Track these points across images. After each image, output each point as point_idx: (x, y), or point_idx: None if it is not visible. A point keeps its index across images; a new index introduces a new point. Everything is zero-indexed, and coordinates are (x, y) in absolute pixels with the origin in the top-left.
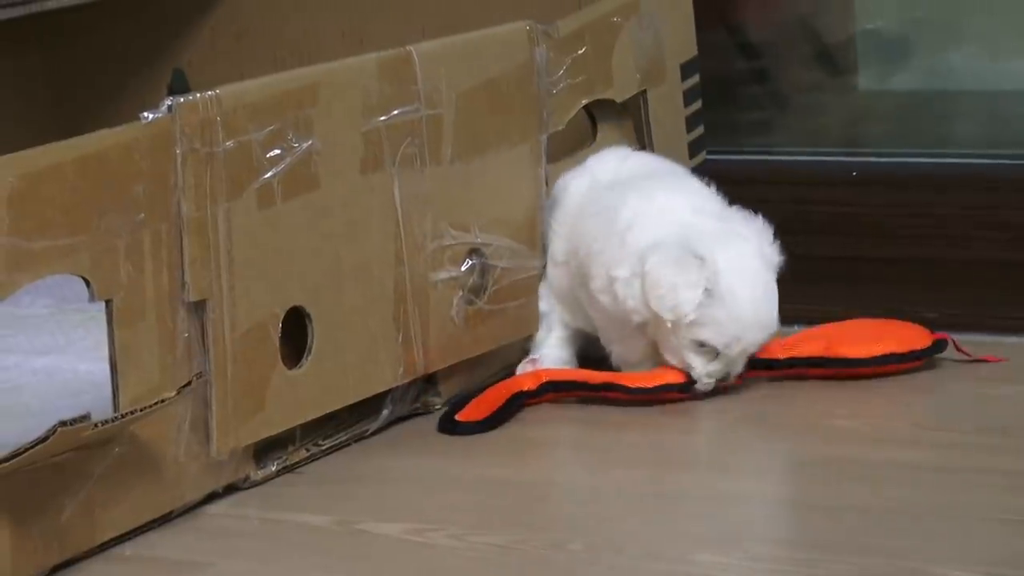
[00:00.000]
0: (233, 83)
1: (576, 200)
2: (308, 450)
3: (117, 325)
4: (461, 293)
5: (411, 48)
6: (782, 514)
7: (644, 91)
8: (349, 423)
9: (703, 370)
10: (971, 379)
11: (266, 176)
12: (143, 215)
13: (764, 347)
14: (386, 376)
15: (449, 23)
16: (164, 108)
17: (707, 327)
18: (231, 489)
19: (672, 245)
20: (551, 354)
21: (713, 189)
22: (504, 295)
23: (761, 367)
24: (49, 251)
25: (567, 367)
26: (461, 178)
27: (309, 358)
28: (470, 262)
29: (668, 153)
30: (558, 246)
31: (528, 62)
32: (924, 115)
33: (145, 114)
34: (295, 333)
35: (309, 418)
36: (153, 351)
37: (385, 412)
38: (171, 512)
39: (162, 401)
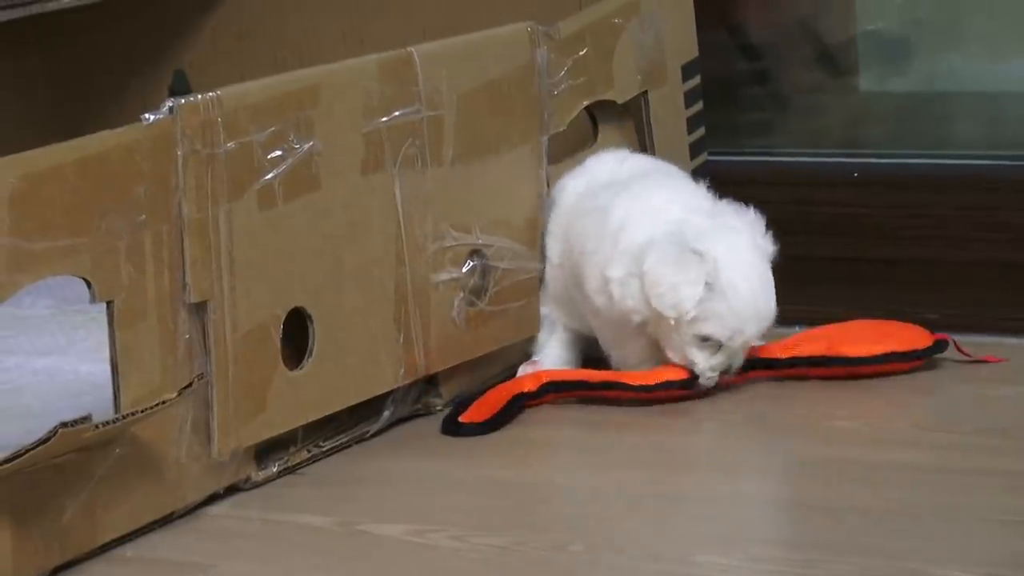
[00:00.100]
0: (234, 84)
1: (572, 202)
2: (309, 451)
3: (118, 326)
4: (462, 294)
5: (412, 49)
6: (782, 515)
7: (645, 92)
8: (350, 424)
9: (706, 364)
10: (971, 380)
11: (267, 177)
12: (144, 216)
13: (765, 347)
14: (387, 377)
15: (450, 24)
16: (165, 109)
17: (709, 321)
18: (232, 490)
19: (668, 243)
20: (552, 355)
21: (703, 185)
22: (505, 296)
23: (762, 367)
24: (50, 252)
25: (568, 368)
26: (462, 179)
27: (310, 359)
28: (471, 263)
29: (669, 154)
30: (554, 248)
31: (529, 63)
32: (925, 116)
33: (146, 115)
34: (296, 334)
35: (310, 419)
36: (154, 352)
37: (386, 413)
38: (172, 513)
39: (163, 402)
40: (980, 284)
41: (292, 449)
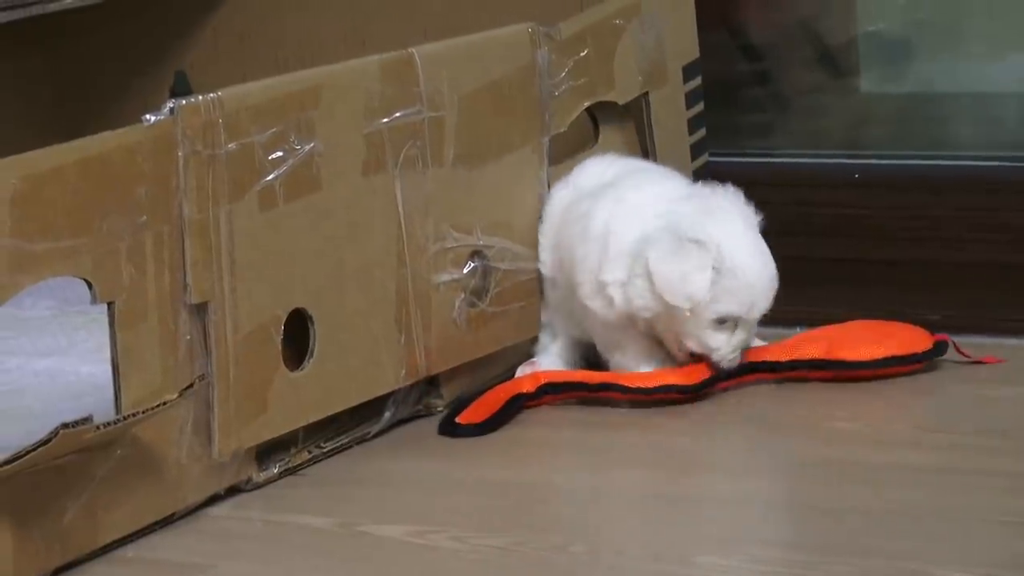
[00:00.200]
0: (235, 85)
1: (559, 211)
2: (310, 452)
3: (119, 327)
4: (463, 295)
5: (413, 50)
6: (783, 516)
7: (646, 93)
8: (351, 425)
9: (728, 346)
10: (971, 381)
11: (268, 178)
12: (145, 217)
13: (766, 349)
14: (388, 378)
15: (451, 25)
16: (166, 110)
17: (723, 301)
18: (233, 491)
19: (664, 237)
20: (552, 358)
21: (678, 174)
22: (506, 297)
23: (763, 369)
24: (51, 253)
25: (567, 369)
26: (463, 180)
27: (311, 360)
28: (472, 264)
29: (670, 155)
30: (546, 258)
31: (530, 64)
32: (926, 118)
33: (147, 116)
34: (297, 335)
35: (311, 420)
36: (155, 353)
37: (387, 414)
38: (173, 514)
39: (164, 403)
40: (980, 285)
41: (293, 450)
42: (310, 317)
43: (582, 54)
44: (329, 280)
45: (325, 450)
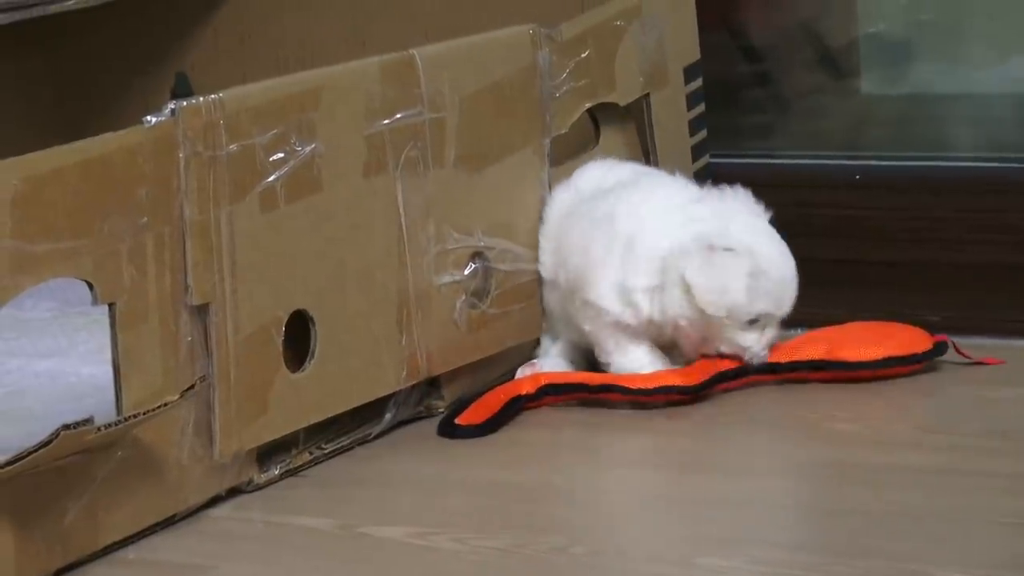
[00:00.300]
0: (236, 86)
1: (561, 214)
2: (311, 453)
3: (120, 328)
4: (464, 296)
5: (414, 51)
6: (784, 517)
7: (647, 95)
8: (352, 426)
9: (760, 343)
10: (972, 382)
11: (269, 179)
12: (146, 218)
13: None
14: (389, 380)
15: (452, 26)
16: (167, 111)
17: (758, 301)
18: (234, 492)
19: (697, 248)
20: (554, 359)
21: (684, 179)
22: (507, 298)
23: (764, 371)
24: (52, 254)
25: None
26: (464, 182)
27: (312, 361)
28: (473, 266)
29: (671, 156)
30: (546, 260)
31: (531, 66)
32: (927, 119)
33: (148, 117)
34: (298, 336)
35: (312, 421)
36: (156, 354)
37: (388, 416)
38: (174, 515)
39: (165, 404)
40: (982, 287)
41: (294, 451)
42: (311, 318)
43: (583, 55)
44: (330, 281)
45: (326, 451)
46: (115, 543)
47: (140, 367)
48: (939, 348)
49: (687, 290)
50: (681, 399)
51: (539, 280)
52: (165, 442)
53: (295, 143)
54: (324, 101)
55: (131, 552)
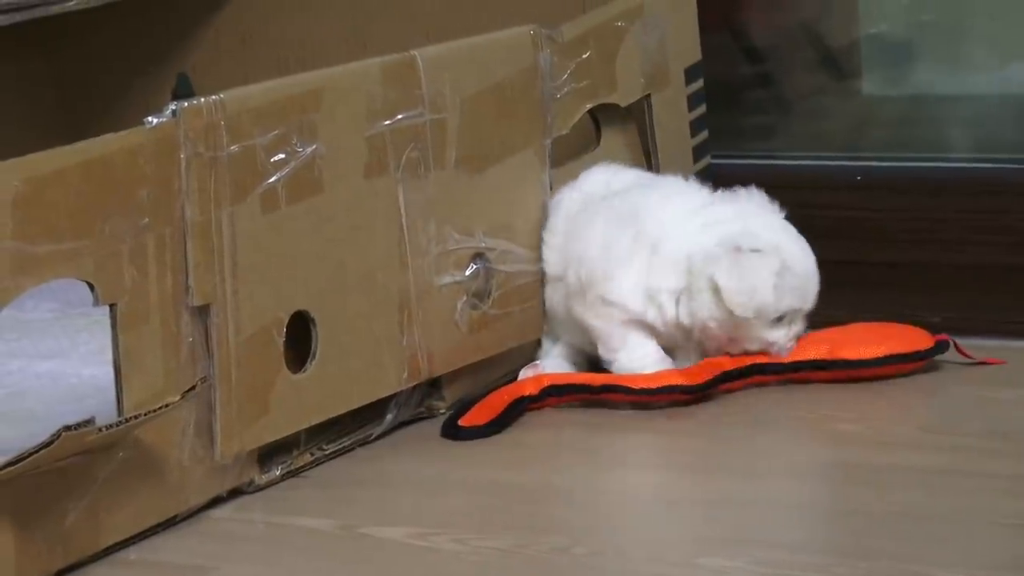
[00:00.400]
0: (237, 87)
1: (570, 213)
2: (312, 454)
3: (121, 329)
4: (465, 297)
5: (415, 53)
6: (786, 518)
7: (648, 95)
8: (353, 427)
9: (787, 337)
10: (974, 382)
11: (270, 180)
12: (147, 219)
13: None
14: (390, 380)
15: (453, 27)
16: (168, 112)
17: (786, 298)
18: (235, 493)
19: (724, 252)
20: (555, 360)
21: (695, 182)
22: (508, 299)
23: (768, 372)
24: (53, 255)
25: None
26: (465, 183)
27: (313, 362)
28: (474, 266)
29: (672, 157)
30: (551, 259)
31: (532, 66)
32: (928, 120)
33: (149, 118)
34: (299, 337)
35: (313, 422)
36: (157, 355)
37: (389, 416)
38: (175, 516)
39: (166, 405)
40: (983, 288)
41: (295, 452)
42: (312, 319)
43: (584, 56)
44: (331, 282)
45: (327, 452)
46: (116, 544)
47: (141, 368)
48: (940, 347)
49: (716, 292)
50: (684, 399)
51: (540, 281)
52: (166, 443)
53: (296, 144)
54: (325, 102)
55: (132, 553)
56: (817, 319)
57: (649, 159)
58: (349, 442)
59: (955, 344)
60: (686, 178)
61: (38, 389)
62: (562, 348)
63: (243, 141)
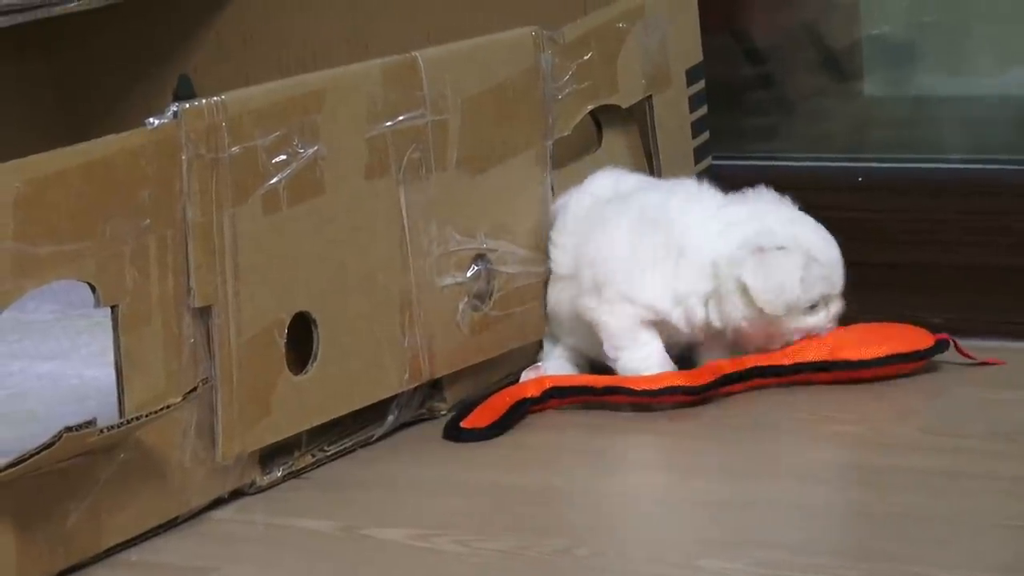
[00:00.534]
0: (239, 89)
1: (578, 215)
2: (314, 455)
3: (122, 331)
4: (467, 299)
5: (416, 54)
6: (788, 519)
7: (649, 96)
8: (354, 428)
9: (825, 319)
10: (976, 383)
11: (272, 182)
12: (149, 221)
13: (769, 355)
14: (391, 382)
15: (454, 28)
16: (170, 114)
17: (814, 289)
18: (237, 494)
19: (753, 253)
20: (557, 362)
21: (706, 185)
22: (510, 301)
23: (769, 375)
24: (55, 256)
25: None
26: (467, 184)
27: (315, 364)
28: (476, 268)
29: (673, 158)
30: (560, 259)
31: (534, 68)
32: (929, 121)
33: (151, 120)
34: (301, 339)
35: (315, 424)
36: (158, 357)
37: (391, 418)
38: (177, 517)
39: (168, 407)
40: (984, 288)
41: (296, 453)
42: (313, 321)
43: (585, 57)
44: (332, 283)
45: (328, 453)
46: (117, 545)
47: (142, 369)
48: (940, 345)
49: (745, 294)
50: (687, 400)
51: (542, 282)
52: (167, 444)
53: (297, 145)
54: (327, 103)
55: (133, 554)
56: None
57: (650, 160)
58: (350, 443)
59: (956, 344)
60: (698, 181)
61: (39, 390)
62: (563, 350)
63: (244, 142)
